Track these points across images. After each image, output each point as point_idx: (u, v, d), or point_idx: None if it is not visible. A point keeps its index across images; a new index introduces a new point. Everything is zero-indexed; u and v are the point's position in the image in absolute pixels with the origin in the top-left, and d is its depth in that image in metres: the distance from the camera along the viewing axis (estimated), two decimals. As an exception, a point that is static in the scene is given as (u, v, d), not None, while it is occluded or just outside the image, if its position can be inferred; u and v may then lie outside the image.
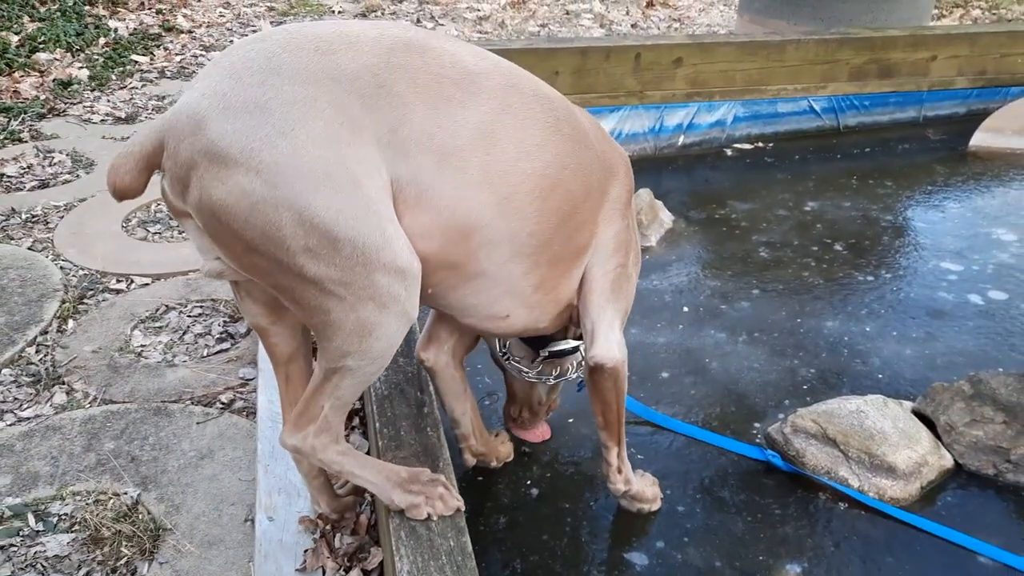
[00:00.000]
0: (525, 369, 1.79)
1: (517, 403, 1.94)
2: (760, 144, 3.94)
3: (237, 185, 1.18)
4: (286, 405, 1.60)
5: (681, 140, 3.88)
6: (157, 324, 2.46)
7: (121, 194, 1.28)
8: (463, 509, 1.43)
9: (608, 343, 1.55)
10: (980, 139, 3.94)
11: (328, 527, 1.71)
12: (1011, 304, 2.61)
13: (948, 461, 1.91)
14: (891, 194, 3.41)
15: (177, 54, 5.13)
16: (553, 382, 1.83)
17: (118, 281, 2.66)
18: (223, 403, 2.13)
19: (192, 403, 2.13)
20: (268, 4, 6.42)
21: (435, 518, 1.41)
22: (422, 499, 1.41)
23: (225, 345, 2.37)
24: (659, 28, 6.30)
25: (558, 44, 3.59)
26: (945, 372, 2.26)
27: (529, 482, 1.89)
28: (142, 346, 2.36)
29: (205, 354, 2.33)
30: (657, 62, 3.70)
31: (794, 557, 1.70)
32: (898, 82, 4.11)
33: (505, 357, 1.78)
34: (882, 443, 1.86)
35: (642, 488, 1.75)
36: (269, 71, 1.22)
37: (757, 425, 2.08)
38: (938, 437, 1.95)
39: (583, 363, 1.74)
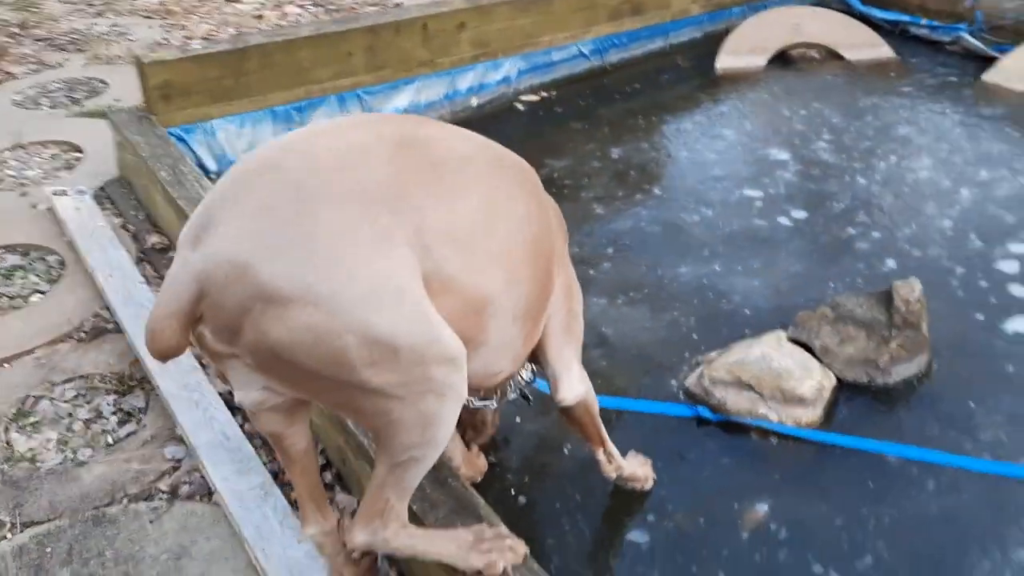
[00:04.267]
0: (474, 399, 1.88)
1: (463, 425, 2.03)
2: (544, 93, 4.14)
3: (299, 321, 1.16)
4: (304, 497, 1.59)
5: (475, 102, 3.97)
6: (32, 420, 2.19)
7: (167, 356, 1.20)
8: (528, 552, 1.53)
9: (571, 383, 1.70)
10: (723, 62, 4.43)
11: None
12: (813, 221, 3.07)
13: (833, 379, 2.28)
14: (676, 130, 3.78)
15: None
16: (495, 406, 1.94)
17: (-52, 379, 2.32)
18: (166, 492, 1.99)
19: (131, 501, 1.97)
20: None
21: (510, 569, 1.49)
22: (496, 555, 1.49)
23: (130, 426, 2.18)
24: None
25: (347, 25, 3.50)
26: (792, 296, 2.65)
27: (513, 490, 2.00)
28: (31, 450, 2.11)
29: (111, 441, 2.13)
30: (443, 29, 3.73)
31: (757, 496, 1.98)
32: (647, 18, 4.47)
33: None
34: (789, 379, 2.19)
35: (634, 469, 1.94)
36: (300, 200, 1.18)
37: (673, 382, 2.33)
38: (818, 360, 2.32)
39: (528, 386, 1.85)
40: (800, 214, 3.11)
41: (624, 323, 2.55)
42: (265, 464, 2.02)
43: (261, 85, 3.35)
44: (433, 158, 1.33)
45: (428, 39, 3.70)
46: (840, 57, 4.49)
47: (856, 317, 2.35)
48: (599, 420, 1.79)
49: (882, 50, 4.48)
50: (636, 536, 1.90)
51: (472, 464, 1.95)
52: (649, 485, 1.99)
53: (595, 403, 1.76)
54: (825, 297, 2.56)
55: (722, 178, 3.37)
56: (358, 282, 1.18)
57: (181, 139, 3.19)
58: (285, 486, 1.96)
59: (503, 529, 1.54)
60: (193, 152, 3.23)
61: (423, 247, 1.27)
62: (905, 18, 4.69)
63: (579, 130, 3.79)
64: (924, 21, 4.60)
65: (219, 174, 3.22)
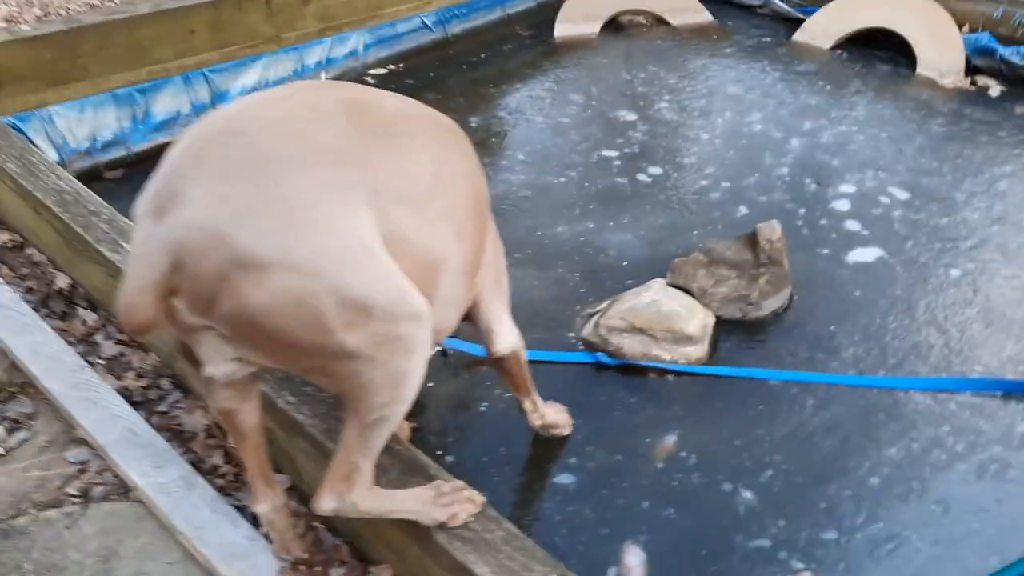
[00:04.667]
0: None
1: None
2: (392, 66, 4.13)
3: (278, 286, 1.17)
4: (255, 473, 1.59)
5: (323, 76, 3.91)
6: (-98, 440, 2.01)
7: (143, 331, 1.17)
8: (485, 501, 1.59)
9: (504, 335, 1.80)
10: (561, 30, 4.58)
11: (311, 568, 1.72)
12: (668, 175, 3.28)
13: (713, 318, 2.47)
14: (528, 96, 3.89)
15: None
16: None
17: None
18: (76, 496, 1.89)
19: (40, 509, 1.86)
20: None
21: (471, 519, 1.55)
22: (456, 507, 1.54)
23: (23, 433, 2.04)
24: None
25: (188, 1, 3.34)
26: (663, 245, 2.84)
27: (440, 450, 2.06)
28: (-90, 472, 1.94)
29: (3, 452, 2.00)
30: (287, 3, 3.65)
31: (664, 429, 2.14)
32: (485, -13, 4.54)
33: None
34: (677, 320, 2.36)
35: (554, 417, 2.04)
36: (266, 163, 1.19)
37: (570, 334, 2.45)
38: (698, 301, 2.51)
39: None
40: (656, 170, 3.31)
41: (517, 283, 2.61)
42: (181, 455, 1.96)
43: (100, 67, 3.15)
44: (382, 119, 1.36)
45: (272, 14, 3.60)
46: (666, 23, 4.75)
47: (727, 259, 2.56)
48: (527, 370, 1.87)
49: (703, 15, 4.79)
50: (563, 479, 2.01)
51: (400, 428, 1.99)
52: (568, 431, 2.10)
53: (524, 353, 1.84)
54: (691, 244, 2.76)
55: (580, 141, 3.51)
56: (334, 244, 1.19)
57: (17, 128, 2.95)
58: (207, 475, 1.92)
59: (459, 483, 1.59)
60: (31, 142, 3.00)
61: (381, 207, 1.30)
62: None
63: (434, 101, 3.76)
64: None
65: (62, 164, 3.02)
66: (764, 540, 1.87)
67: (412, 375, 1.36)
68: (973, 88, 4.07)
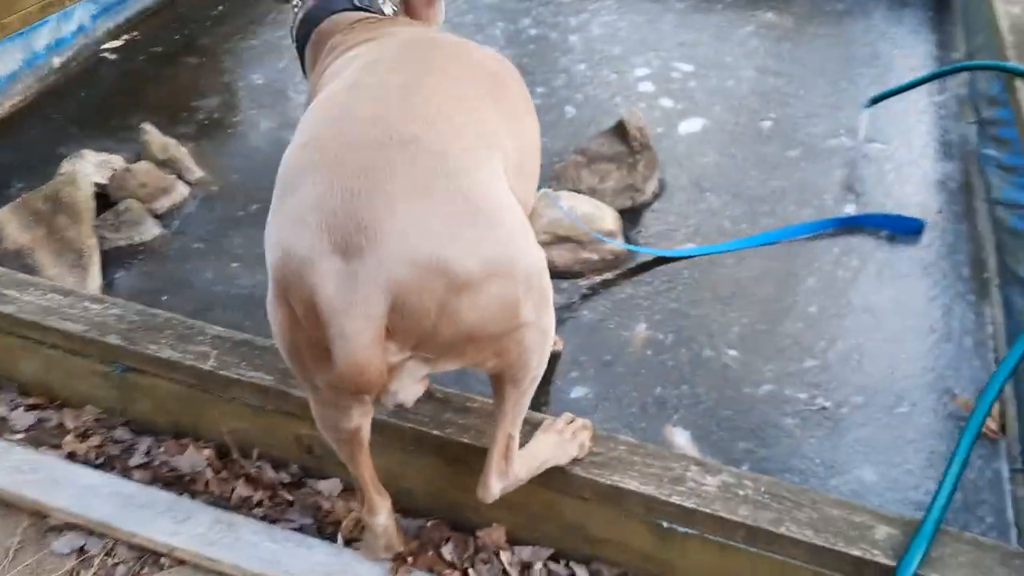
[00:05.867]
0: None
1: None
2: (127, 37, 3.66)
3: (489, 296, 1.14)
4: (368, 483, 1.50)
5: (56, 62, 3.36)
6: None
7: (378, 388, 1.07)
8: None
9: None
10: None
11: (419, 556, 1.64)
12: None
13: (614, 210, 2.60)
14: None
15: None
16: None
17: None
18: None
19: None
20: None
21: (592, 444, 1.58)
22: (580, 436, 1.56)
23: (-19, 547, 1.66)
24: None
25: None
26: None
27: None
28: None
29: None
30: (-2, -18, 3.06)
31: (631, 322, 2.26)
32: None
33: None
34: (595, 219, 2.46)
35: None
36: (445, 172, 1.12)
37: (496, 262, 2.46)
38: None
39: None
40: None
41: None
42: (198, 500, 1.73)
43: None
44: (475, 77, 1.34)
45: (-14, -4, 3.01)
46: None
47: (603, 155, 2.69)
48: None
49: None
50: (577, 393, 2.07)
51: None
52: (560, 346, 2.14)
53: None
54: (547, 151, 2.84)
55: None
56: (517, 234, 1.18)
57: None
58: (242, 509, 1.73)
59: (566, 415, 1.60)
60: None
61: (508, 171, 1.28)
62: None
63: (199, 64, 3.46)
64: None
65: None
66: (768, 385, 2.08)
67: (553, 324, 1.34)
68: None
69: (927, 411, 2.02)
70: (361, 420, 1.35)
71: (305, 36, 1.62)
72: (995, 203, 2.51)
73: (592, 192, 2.62)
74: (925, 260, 2.48)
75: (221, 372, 1.68)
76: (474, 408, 1.67)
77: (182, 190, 2.62)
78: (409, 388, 1.20)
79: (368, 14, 1.56)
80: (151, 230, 2.47)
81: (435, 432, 1.61)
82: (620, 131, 2.72)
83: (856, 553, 1.42)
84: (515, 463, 1.41)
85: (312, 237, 1.04)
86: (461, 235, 1.08)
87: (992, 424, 1.99)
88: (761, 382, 2.09)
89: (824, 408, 2.03)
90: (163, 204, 2.55)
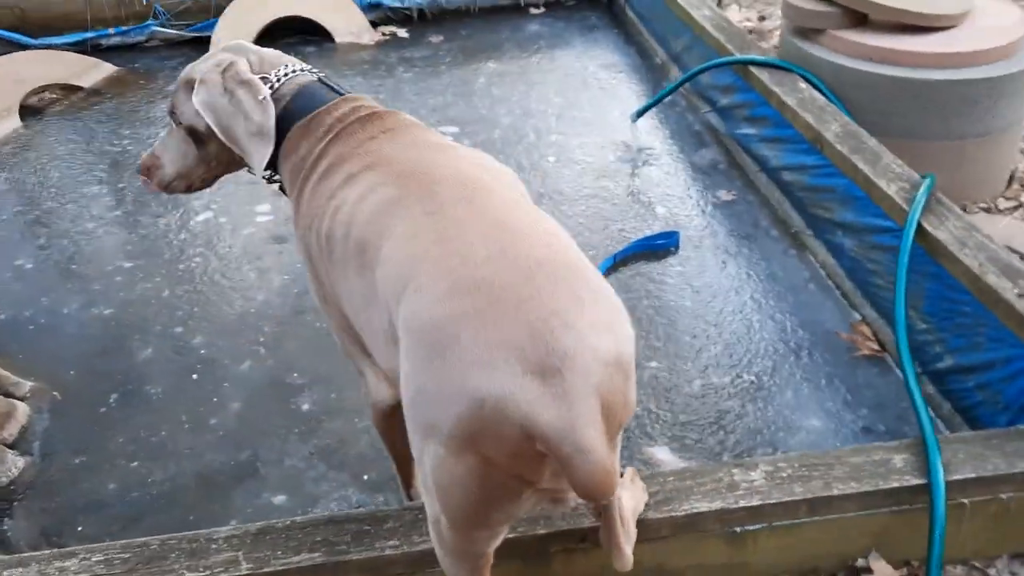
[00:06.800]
0: None
1: None
2: None
3: (633, 376, 1.20)
4: None
5: None
6: None
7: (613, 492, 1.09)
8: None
9: None
10: None
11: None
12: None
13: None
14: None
15: None
16: None
17: None
18: None
19: None
20: None
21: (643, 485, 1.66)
22: (638, 485, 1.63)
23: None
24: None
25: None
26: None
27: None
28: None
29: None
30: None
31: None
32: None
33: None
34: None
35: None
36: (576, 274, 1.18)
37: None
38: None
39: None
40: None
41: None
42: None
43: None
44: (497, 179, 1.36)
45: None
46: (79, 88, 4.31)
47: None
48: None
49: (104, 67, 4.45)
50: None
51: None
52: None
53: None
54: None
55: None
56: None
57: None
58: None
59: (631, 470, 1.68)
60: None
61: None
62: (91, 34, 4.63)
63: None
64: (113, 30, 4.64)
65: None
66: (697, 380, 2.29)
67: None
68: (388, 36, 4.68)
69: (825, 352, 2.35)
70: (492, 541, 1.31)
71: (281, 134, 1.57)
72: (780, 169, 2.94)
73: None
74: (740, 232, 2.85)
75: (265, 571, 1.52)
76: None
77: (22, 409, 2.28)
78: None
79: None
80: (14, 465, 2.12)
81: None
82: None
83: (894, 485, 1.64)
84: (629, 524, 1.47)
85: (506, 375, 1.04)
86: (614, 325, 1.14)
87: (873, 345, 2.37)
88: (691, 379, 2.29)
89: (753, 382, 2.27)
90: (11, 432, 2.20)
